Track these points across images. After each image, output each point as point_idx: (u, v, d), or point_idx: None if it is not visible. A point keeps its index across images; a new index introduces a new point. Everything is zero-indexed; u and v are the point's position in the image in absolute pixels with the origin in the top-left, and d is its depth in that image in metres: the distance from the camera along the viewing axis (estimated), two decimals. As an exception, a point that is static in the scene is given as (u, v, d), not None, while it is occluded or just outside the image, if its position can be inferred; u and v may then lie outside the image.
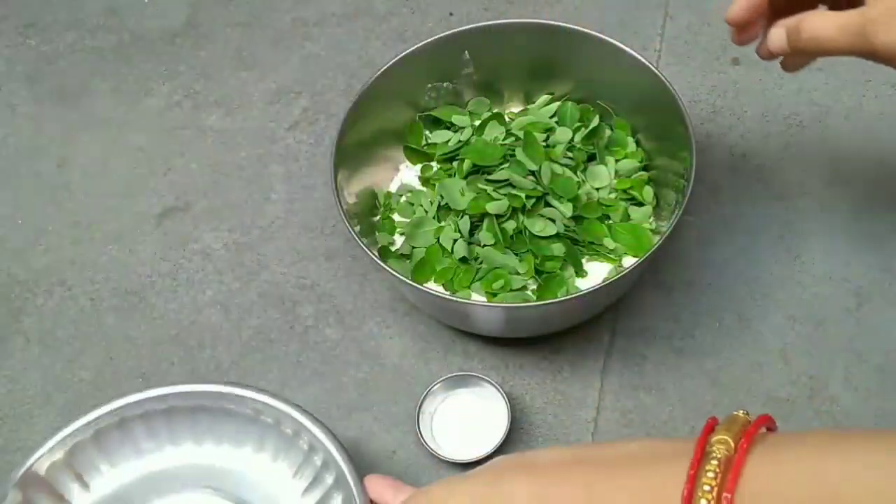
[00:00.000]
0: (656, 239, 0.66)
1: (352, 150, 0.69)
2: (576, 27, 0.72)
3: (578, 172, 0.71)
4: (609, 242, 0.68)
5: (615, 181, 0.71)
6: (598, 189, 0.71)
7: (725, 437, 0.38)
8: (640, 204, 0.71)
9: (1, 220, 0.81)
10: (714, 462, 0.37)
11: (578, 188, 0.69)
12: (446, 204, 0.70)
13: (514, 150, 0.70)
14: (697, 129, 0.77)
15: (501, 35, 0.73)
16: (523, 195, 0.68)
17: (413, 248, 0.70)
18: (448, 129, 0.76)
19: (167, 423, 0.61)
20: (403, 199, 0.73)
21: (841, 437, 0.37)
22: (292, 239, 0.77)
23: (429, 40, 0.72)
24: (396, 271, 0.62)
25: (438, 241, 0.69)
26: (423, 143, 0.76)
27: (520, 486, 0.41)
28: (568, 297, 0.63)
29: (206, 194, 0.81)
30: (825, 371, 0.67)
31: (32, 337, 0.74)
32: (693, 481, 0.36)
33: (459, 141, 0.74)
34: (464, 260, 0.68)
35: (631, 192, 0.71)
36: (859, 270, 0.71)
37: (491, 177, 0.70)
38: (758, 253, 0.73)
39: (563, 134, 0.73)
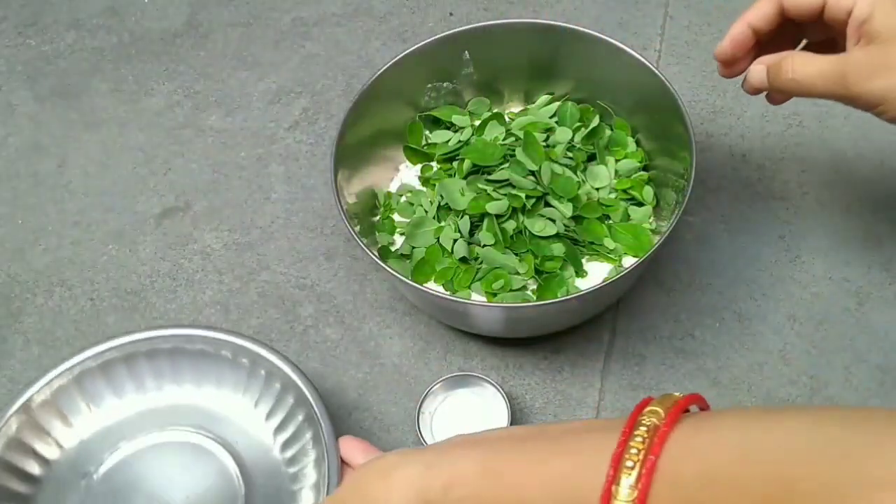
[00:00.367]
0: (656, 239, 0.66)
1: (352, 150, 0.69)
2: (576, 27, 0.72)
3: (578, 172, 0.71)
4: (609, 242, 0.68)
5: (615, 181, 0.71)
6: (598, 189, 0.71)
7: (657, 409, 0.40)
8: (640, 204, 0.71)
9: (1, 220, 0.81)
10: (643, 428, 0.39)
11: (578, 188, 0.69)
12: (446, 204, 0.70)
13: (514, 150, 0.70)
14: (697, 129, 0.77)
15: (501, 35, 0.73)
16: (523, 195, 0.68)
17: (413, 248, 0.70)
18: (448, 129, 0.76)
19: (171, 364, 0.65)
20: (403, 199, 0.73)
21: (762, 410, 0.39)
22: (292, 239, 0.77)
23: (429, 40, 0.72)
24: (396, 271, 0.62)
25: (438, 241, 0.69)
26: (423, 143, 0.76)
27: (466, 454, 0.44)
28: (568, 297, 0.63)
29: (206, 194, 0.81)
30: (825, 371, 0.67)
31: (32, 337, 0.74)
32: (623, 445, 0.39)
33: (459, 141, 0.74)
34: (464, 260, 0.68)
35: (631, 192, 0.71)
36: (859, 270, 0.71)
37: (491, 177, 0.70)
38: (758, 253, 0.73)
39: (563, 134, 0.73)
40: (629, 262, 0.67)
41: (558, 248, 0.67)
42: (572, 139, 0.73)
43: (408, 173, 0.75)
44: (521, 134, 0.72)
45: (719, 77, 0.62)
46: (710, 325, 0.70)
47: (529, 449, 0.43)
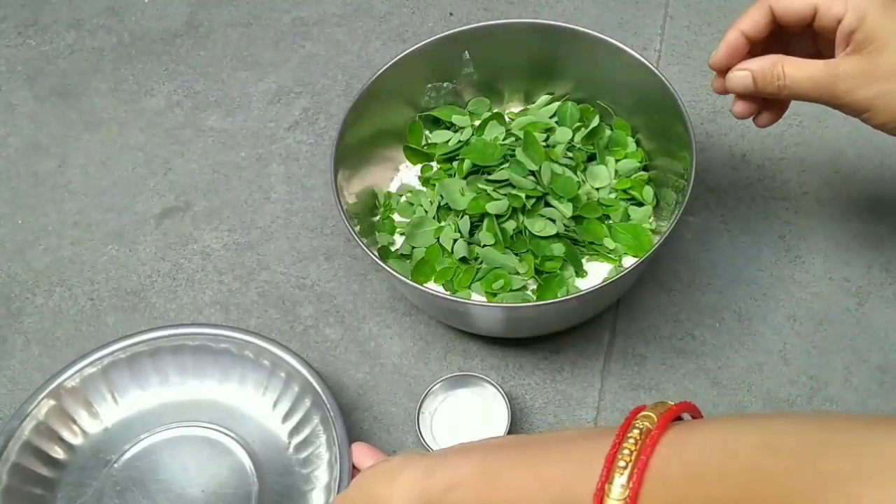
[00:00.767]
0: (656, 239, 0.66)
1: (352, 150, 0.69)
2: (576, 27, 0.72)
3: (578, 172, 0.71)
4: (609, 242, 0.68)
5: (615, 181, 0.71)
6: (598, 189, 0.71)
7: (650, 414, 0.41)
8: (640, 204, 0.71)
9: (1, 220, 0.81)
10: (636, 431, 0.41)
11: (578, 188, 0.69)
12: (446, 204, 0.70)
13: (514, 150, 0.70)
14: (697, 129, 0.77)
15: (501, 35, 0.73)
16: (523, 195, 0.68)
17: (413, 248, 0.70)
18: (448, 129, 0.76)
19: (194, 359, 0.67)
20: (403, 199, 0.73)
21: (750, 415, 0.41)
22: (292, 239, 0.77)
23: (429, 40, 0.72)
24: (396, 271, 0.62)
25: (438, 241, 0.69)
26: (423, 143, 0.76)
27: (466, 458, 0.46)
28: (568, 297, 0.63)
29: (206, 194, 0.81)
30: (825, 371, 0.67)
31: (32, 337, 0.74)
32: (616, 447, 0.40)
33: (459, 141, 0.74)
34: (464, 260, 0.68)
35: (631, 192, 0.71)
36: (859, 270, 0.71)
37: (491, 177, 0.70)
38: (758, 253, 0.73)
39: (563, 134, 0.73)
40: (629, 262, 0.67)
41: (558, 248, 0.67)
42: (572, 139, 0.73)
43: (408, 173, 0.75)
44: (521, 134, 0.72)
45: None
46: (710, 325, 0.70)
47: (526, 453, 0.45)
